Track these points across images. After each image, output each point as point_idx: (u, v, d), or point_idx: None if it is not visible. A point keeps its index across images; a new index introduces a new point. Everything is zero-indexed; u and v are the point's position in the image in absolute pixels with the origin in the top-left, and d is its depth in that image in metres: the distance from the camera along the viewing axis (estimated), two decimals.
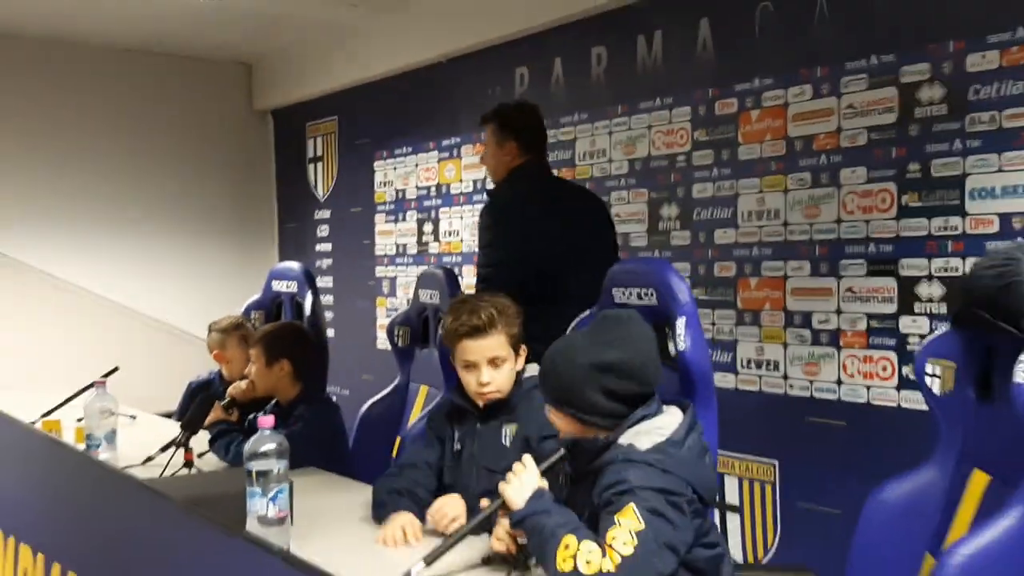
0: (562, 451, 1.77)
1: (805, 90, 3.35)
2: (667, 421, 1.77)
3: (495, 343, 2.17)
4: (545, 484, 1.72)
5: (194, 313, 5.24)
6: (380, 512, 2.12)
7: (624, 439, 1.74)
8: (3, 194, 5.47)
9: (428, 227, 5.11)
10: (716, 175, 3.65)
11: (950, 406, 1.83)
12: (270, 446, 1.83)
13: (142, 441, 2.98)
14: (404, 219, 5.28)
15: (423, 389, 3.12)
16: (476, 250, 3.26)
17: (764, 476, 3.51)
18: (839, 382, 3.26)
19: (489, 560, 1.79)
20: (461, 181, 4.88)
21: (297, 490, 2.33)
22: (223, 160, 6.26)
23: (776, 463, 3.47)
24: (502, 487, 1.70)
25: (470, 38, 4.64)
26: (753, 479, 3.55)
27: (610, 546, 1.58)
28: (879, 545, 1.92)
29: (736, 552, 3.61)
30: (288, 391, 2.87)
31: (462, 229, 4.87)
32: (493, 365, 2.17)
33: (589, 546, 1.58)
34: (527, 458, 1.75)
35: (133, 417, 3.61)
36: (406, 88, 5.19)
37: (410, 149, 5.21)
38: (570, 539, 1.59)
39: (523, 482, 1.69)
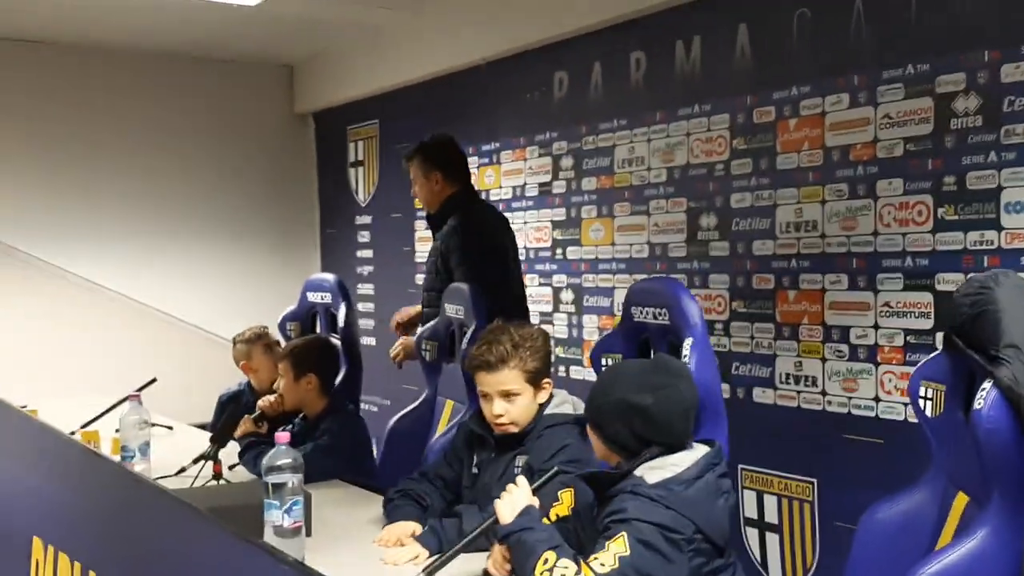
0: (555, 469, 2.00)
1: (842, 99, 3.51)
2: (682, 459, 1.95)
3: (507, 377, 2.40)
4: (536, 503, 1.94)
5: (235, 321, 5.53)
6: (386, 510, 2.46)
7: (639, 471, 1.94)
8: (43, 202, 5.86)
9: None
10: (754, 184, 3.82)
11: (941, 428, 2.00)
12: (285, 460, 2.09)
13: (178, 452, 3.27)
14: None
15: (449, 404, 3.36)
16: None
17: (803, 495, 3.67)
18: (877, 399, 3.41)
19: None
20: (501, 187, 5.11)
21: (318, 502, 2.60)
22: (264, 164, 6.60)
23: (815, 481, 3.63)
24: (496, 503, 1.94)
25: (510, 41, 4.87)
26: (792, 497, 3.71)
27: (588, 564, 1.79)
28: (872, 566, 2.11)
29: (776, 572, 3.79)
30: (315, 405, 3.14)
31: None
32: (506, 398, 2.40)
33: (566, 562, 1.80)
34: (521, 479, 1.98)
35: (170, 428, 3.93)
36: (446, 92, 5.45)
37: None
38: (550, 554, 1.81)
39: (514, 499, 1.92)
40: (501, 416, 2.39)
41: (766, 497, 3.79)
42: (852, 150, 3.48)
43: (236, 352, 3.77)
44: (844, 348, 3.51)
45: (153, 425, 3.84)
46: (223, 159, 6.43)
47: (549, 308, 4.82)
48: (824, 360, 3.58)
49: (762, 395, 3.80)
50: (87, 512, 2.81)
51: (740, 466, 3.86)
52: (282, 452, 2.09)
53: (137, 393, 3.03)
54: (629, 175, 4.36)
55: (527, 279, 4.93)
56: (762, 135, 3.79)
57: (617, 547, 1.79)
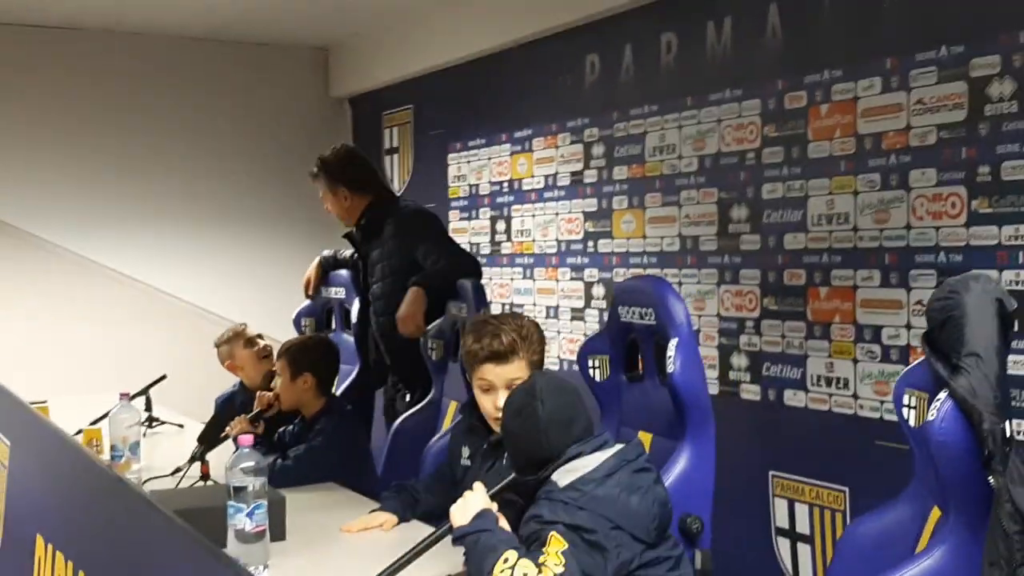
0: (513, 476, 2.09)
1: (875, 83, 3.49)
2: (594, 459, 2.08)
3: (516, 368, 2.47)
4: (494, 507, 2.03)
5: (267, 315, 5.69)
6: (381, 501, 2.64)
7: (554, 476, 2.08)
8: (71, 191, 6.09)
9: (501, 225, 5.44)
10: (786, 174, 3.83)
11: (919, 437, 2.02)
12: (248, 464, 2.20)
13: (185, 451, 3.43)
14: (477, 216, 5.63)
15: (453, 405, 3.45)
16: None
17: (835, 504, 3.68)
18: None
19: None
20: (533, 176, 5.18)
21: (304, 506, 2.72)
22: (299, 151, 6.71)
23: (846, 490, 3.64)
24: (451, 508, 2.03)
25: (542, 23, 4.93)
26: (824, 506, 3.72)
27: (544, 564, 1.89)
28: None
29: None
30: (312, 405, 3.26)
31: (534, 228, 5.18)
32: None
33: (527, 563, 1.89)
34: (477, 483, 2.08)
35: (180, 426, 4.09)
36: (478, 76, 5.53)
37: (483, 141, 5.55)
38: (511, 554, 1.91)
39: (468, 502, 2.01)
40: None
41: (797, 506, 3.81)
42: (884, 138, 3.46)
43: (219, 355, 3.92)
44: (876, 349, 3.51)
45: (163, 423, 4.04)
46: (256, 146, 6.58)
47: (581, 304, 4.87)
48: (856, 361, 3.58)
49: (793, 398, 3.81)
50: (80, 512, 2.97)
51: (771, 473, 3.88)
52: (244, 455, 2.20)
53: (126, 392, 3.17)
54: (660, 164, 4.40)
55: (557, 273, 5.01)
56: (793, 122, 3.79)
57: (555, 546, 1.90)
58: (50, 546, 3.12)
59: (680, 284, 4.28)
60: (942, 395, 1.76)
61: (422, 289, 3.64)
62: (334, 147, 4.24)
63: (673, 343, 2.41)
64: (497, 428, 2.49)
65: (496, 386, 2.47)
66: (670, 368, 2.40)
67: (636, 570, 1.98)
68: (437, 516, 2.55)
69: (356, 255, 4.18)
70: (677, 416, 2.45)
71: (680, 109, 4.28)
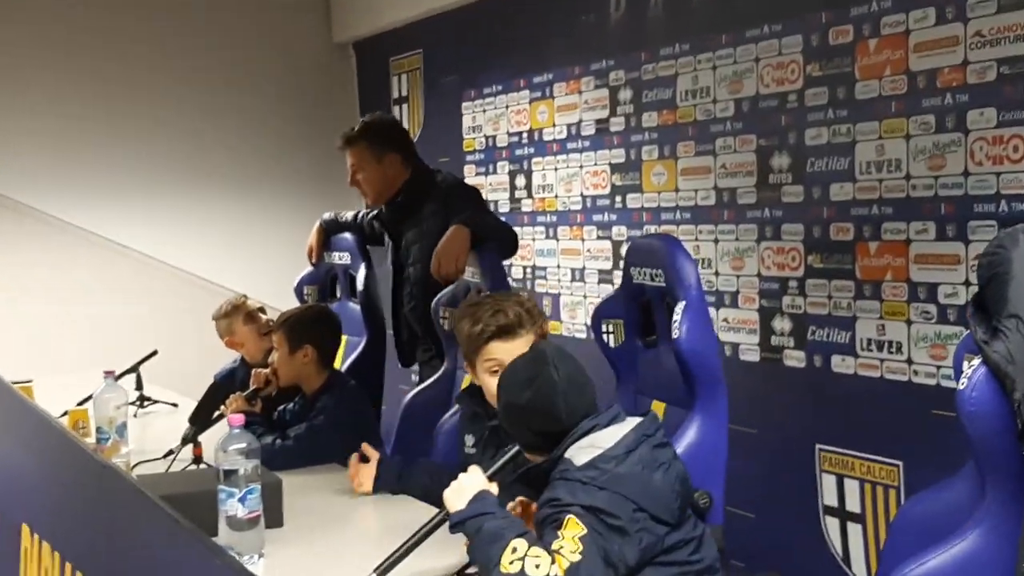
0: (515, 448, 2.10)
1: (928, 14, 3.46)
2: (609, 434, 2.07)
3: (524, 343, 2.50)
4: (494, 488, 2.04)
5: (270, 281, 5.70)
6: None
7: (568, 453, 2.07)
8: (54, 151, 6.10)
9: (520, 180, 5.44)
10: (831, 117, 3.80)
11: None
12: (238, 445, 2.23)
13: (176, 433, 3.47)
14: (495, 171, 5.63)
15: (468, 378, 3.47)
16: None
17: (888, 479, 3.68)
18: None
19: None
20: (554, 126, 5.17)
21: (303, 488, 2.76)
22: (301, 102, 6.74)
23: (900, 464, 3.64)
24: (444, 493, 2.05)
25: None
26: (876, 482, 3.73)
27: (558, 552, 1.90)
28: (906, 558, 2.14)
29: (859, 567, 3.81)
30: (313, 380, 3.29)
31: (556, 183, 5.17)
32: None
33: (538, 551, 1.90)
34: (473, 466, 2.09)
35: (175, 405, 4.15)
36: (493, 16, 5.50)
37: (499, 88, 5.54)
38: (519, 542, 1.92)
39: (462, 484, 2.03)
40: None
41: (847, 482, 3.81)
42: (939, 75, 3.43)
43: (218, 329, 3.96)
44: (932, 309, 3.50)
45: (155, 403, 4.09)
46: (253, 100, 6.58)
47: (608, 265, 4.87)
48: (910, 323, 3.57)
49: (841, 364, 3.81)
50: (64, 499, 3.03)
51: (818, 446, 3.89)
52: (235, 436, 2.23)
53: (111, 371, 3.21)
54: (693, 109, 4.37)
55: (583, 231, 5.01)
56: (839, 59, 3.76)
57: (572, 531, 1.90)
58: (36, 536, 3.20)
59: (716, 241, 4.27)
60: (975, 360, 1.76)
61: (468, 230, 3.57)
62: (372, 114, 4.25)
63: (680, 307, 2.42)
64: None
65: (503, 365, 2.49)
66: (675, 333, 2.42)
67: (659, 555, 2.00)
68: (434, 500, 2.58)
69: (385, 234, 4.18)
70: (686, 385, 2.46)
71: (714, 48, 4.25)
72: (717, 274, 4.26)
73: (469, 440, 2.66)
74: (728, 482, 2.69)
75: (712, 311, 4.14)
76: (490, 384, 2.52)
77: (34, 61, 6.07)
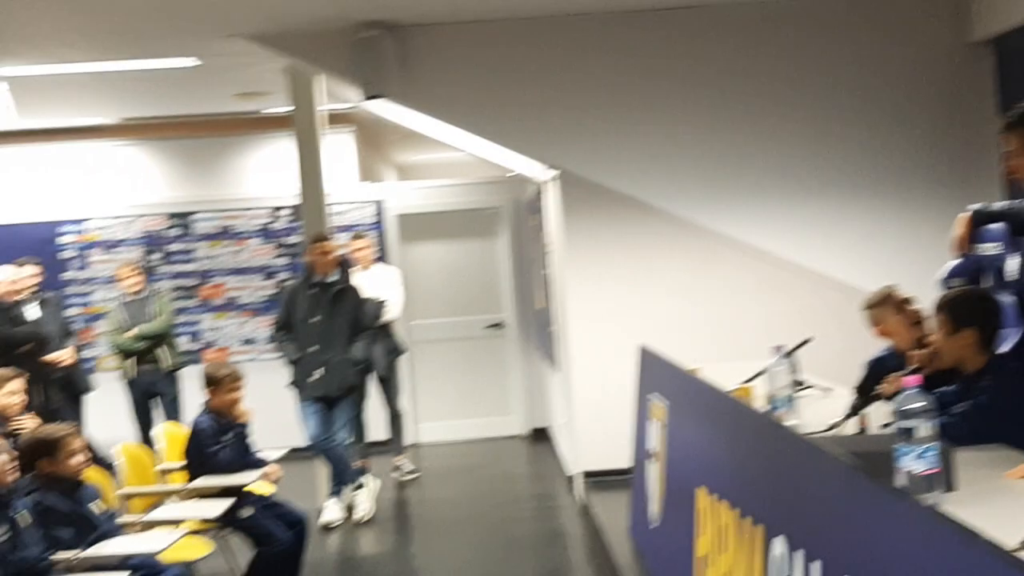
0: None
1: None
2: None
3: None
4: None
5: (907, 276, 5.78)
6: None
7: None
8: (694, 165, 6.79)
9: None
10: None
11: None
12: (917, 404, 2.40)
13: (832, 413, 3.74)
14: None
15: None
16: None
17: None
18: None
19: None
20: None
21: (971, 462, 2.85)
22: (928, 108, 6.74)
23: None
24: None
25: None
26: None
27: None
28: None
29: None
30: (974, 362, 3.37)
31: None
32: None
33: None
34: None
35: (829, 389, 4.41)
36: None
37: None
38: None
39: None
40: None
41: None
42: None
43: (869, 317, 4.11)
44: None
45: (810, 387, 4.39)
46: (878, 108, 6.73)
47: None
48: None
49: None
50: (740, 461, 3.41)
51: None
52: (912, 396, 2.41)
53: (780, 347, 3.51)
54: None
55: None
56: None
57: None
58: (714, 496, 3.61)
59: None
60: None
61: None
62: None
63: None
64: None
65: None
66: None
67: None
68: None
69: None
70: None
71: None
72: None
73: None
74: None
75: None
76: None
77: (686, 103, 6.80)
